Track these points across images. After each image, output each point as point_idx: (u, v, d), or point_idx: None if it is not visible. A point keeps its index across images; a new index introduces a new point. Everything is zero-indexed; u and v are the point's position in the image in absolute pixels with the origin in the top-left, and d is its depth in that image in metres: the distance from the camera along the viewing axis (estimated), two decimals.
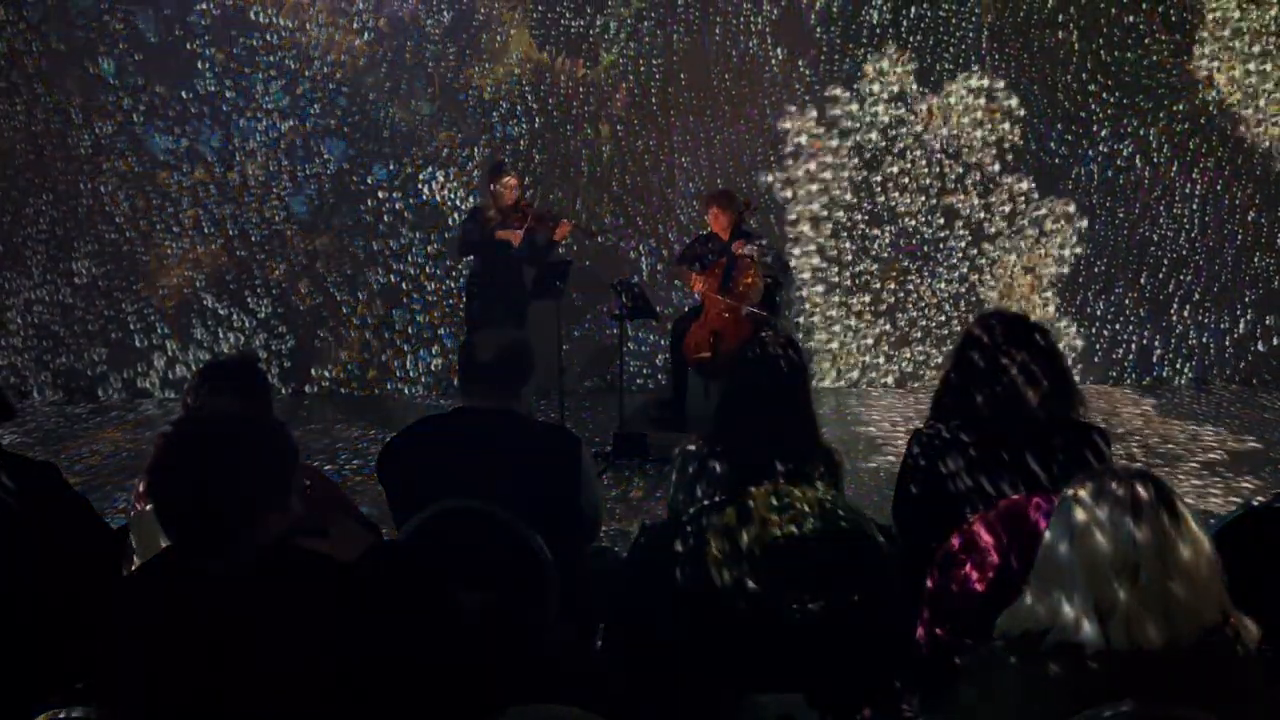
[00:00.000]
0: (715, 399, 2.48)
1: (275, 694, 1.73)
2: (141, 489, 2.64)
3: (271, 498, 1.82)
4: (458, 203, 7.74)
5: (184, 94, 7.59)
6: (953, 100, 7.73)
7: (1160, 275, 8.04)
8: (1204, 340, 8.11)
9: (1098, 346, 8.07)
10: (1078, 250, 7.93)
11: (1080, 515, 1.71)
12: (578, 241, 7.26)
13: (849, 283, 7.94)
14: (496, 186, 6.50)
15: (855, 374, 8.07)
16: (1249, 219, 7.96)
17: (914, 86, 7.70)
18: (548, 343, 6.41)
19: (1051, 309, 7.96)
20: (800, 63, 7.69)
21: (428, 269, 7.87)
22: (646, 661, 2.16)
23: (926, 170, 7.81)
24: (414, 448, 2.89)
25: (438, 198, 7.76)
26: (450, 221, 7.74)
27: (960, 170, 7.81)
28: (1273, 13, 7.71)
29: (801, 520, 2.12)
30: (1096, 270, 7.96)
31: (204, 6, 7.51)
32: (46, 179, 7.66)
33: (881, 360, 8.06)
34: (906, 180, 7.83)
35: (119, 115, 7.60)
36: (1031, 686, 1.69)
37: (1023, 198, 7.85)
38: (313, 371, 7.98)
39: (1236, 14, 7.71)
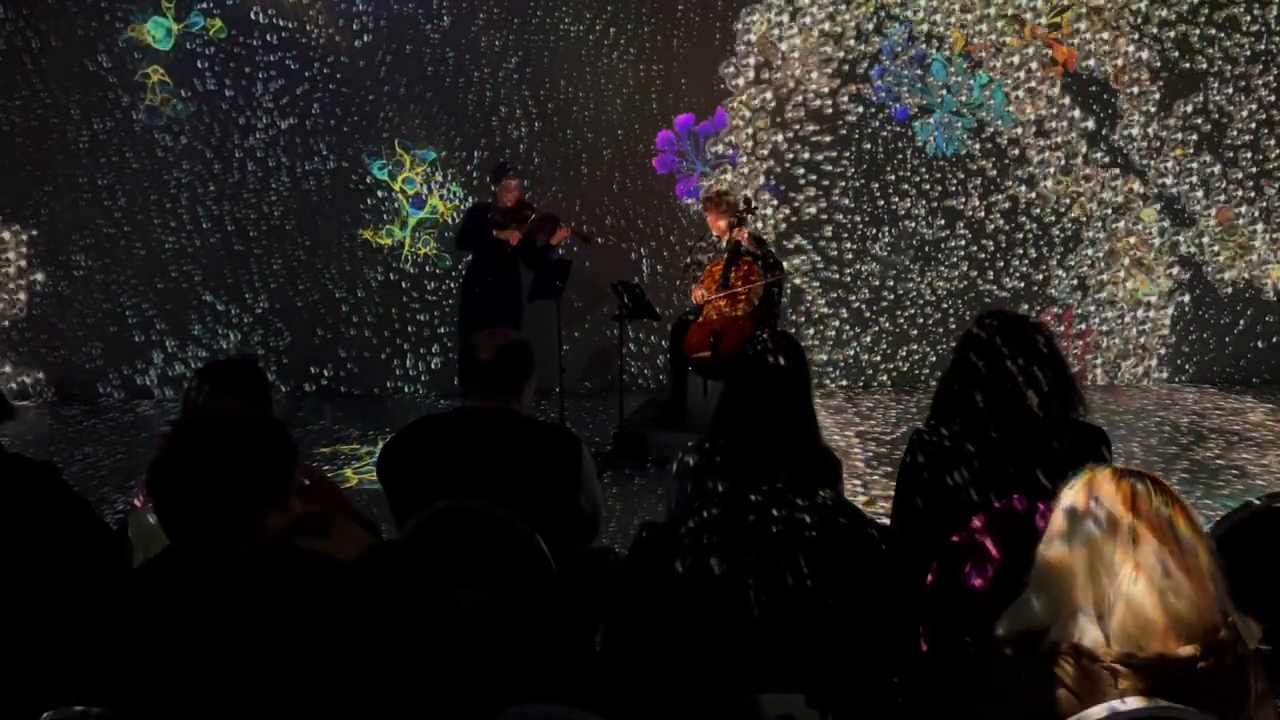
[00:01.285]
0: (715, 399, 2.47)
1: (275, 694, 1.73)
2: (142, 488, 2.64)
3: (271, 498, 1.82)
4: (458, 203, 7.76)
5: (183, 91, 7.60)
6: None
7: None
8: (1204, 338, 8.12)
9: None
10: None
11: (1080, 516, 1.71)
12: (577, 246, 7.26)
13: (848, 280, 7.95)
14: (498, 188, 6.52)
15: (854, 373, 8.08)
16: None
17: None
18: (547, 343, 6.41)
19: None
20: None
21: (427, 268, 7.87)
22: (646, 661, 2.15)
23: (927, 176, 7.83)
24: (414, 448, 2.88)
25: (436, 199, 7.77)
26: (451, 220, 7.75)
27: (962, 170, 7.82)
28: None
29: (801, 522, 2.12)
30: None
31: (204, 5, 7.52)
32: (45, 172, 7.66)
33: (880, 359, 8.07)
34: (907, 186, 7.84)
35: (118, 112, 7.60)
36: (1032, 686, 1.69)
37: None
38: (312, 370, 7.97)
39: None
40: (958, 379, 2.56)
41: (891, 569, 2.19)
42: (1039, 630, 1.73)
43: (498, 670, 2.02)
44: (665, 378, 7.61)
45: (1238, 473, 5.86)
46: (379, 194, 7.78)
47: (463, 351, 2.96)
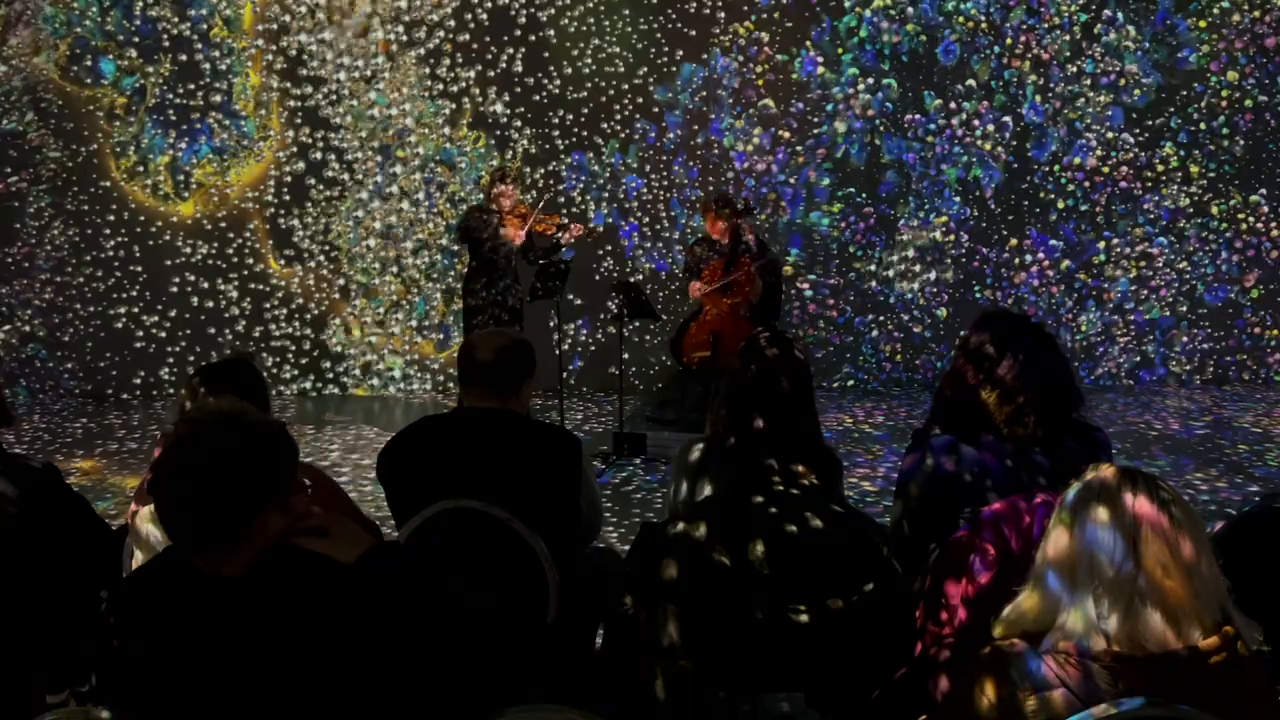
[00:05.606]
0: (715, 399, 2.47)
1: (275, 695, 1.73)
2: (142, 489, 2.63)
3: (271, 498, 1.82)
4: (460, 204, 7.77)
5: (181, 93, 7.61)
6: None
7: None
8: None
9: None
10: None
11: (1080, 515, 1.71)
12: (584, 246, 7.21)
13: (848, 279, 7.96)
14: (495, 191, 6.52)
15: (854, 373, 8.08)
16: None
17: None
18: (546, 343, 6.42)
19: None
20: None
21: (428, 268, 7.87)
22: (646, 662, 2.15)
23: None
24: (414, 448, 2.88)
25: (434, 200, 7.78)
26: (450, 222, 7.76)
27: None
28: None
29: (801, 523, 2.12)
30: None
31: (203, 11, 7.53)
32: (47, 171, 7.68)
33: (881, 359, 8.08)
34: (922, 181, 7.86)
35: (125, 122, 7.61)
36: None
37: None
38: (310, 369, 7.97)
39: None
40: (959, 378, 2.56)
41: (891, 569, 2.19)
42: (1038, 630, 1.72)
43: (498, 670, 2.02)
44: (665, 378, 7.62)
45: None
46: (377, 192, 7.79)
47: (462, 351, 2.96)
